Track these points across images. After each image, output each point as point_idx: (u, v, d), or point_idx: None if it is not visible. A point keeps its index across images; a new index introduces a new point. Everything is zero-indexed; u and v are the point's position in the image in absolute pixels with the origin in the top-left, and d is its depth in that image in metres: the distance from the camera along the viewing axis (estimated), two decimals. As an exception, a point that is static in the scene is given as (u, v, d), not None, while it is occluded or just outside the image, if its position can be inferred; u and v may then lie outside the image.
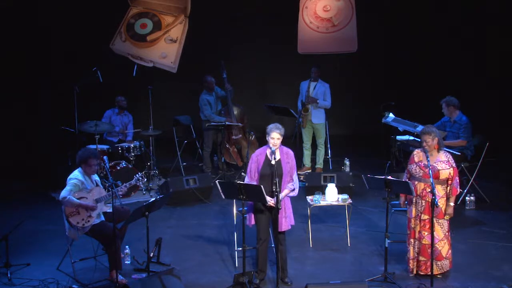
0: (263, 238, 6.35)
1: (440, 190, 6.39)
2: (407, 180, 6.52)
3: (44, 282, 6.48)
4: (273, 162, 6.17)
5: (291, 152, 6.40)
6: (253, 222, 6.35)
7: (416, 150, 6.60)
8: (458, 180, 6.48)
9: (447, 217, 6.46)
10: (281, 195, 6.18)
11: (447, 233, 6.51)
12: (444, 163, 6.41)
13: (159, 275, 6.12)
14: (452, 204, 6.46)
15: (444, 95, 8.85)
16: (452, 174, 6.41)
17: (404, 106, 10.38)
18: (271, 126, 6.27)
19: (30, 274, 6.71)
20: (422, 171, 6.40)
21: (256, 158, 6.32)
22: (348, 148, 11.54)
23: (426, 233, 6.42)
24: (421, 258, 6.50)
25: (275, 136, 6.20)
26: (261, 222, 6.31)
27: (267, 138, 6.29)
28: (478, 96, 11.05)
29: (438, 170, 6.36)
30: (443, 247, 6.47)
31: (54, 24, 11.50)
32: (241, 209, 6.21)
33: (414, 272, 6.53)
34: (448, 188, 6.43)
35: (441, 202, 6.37)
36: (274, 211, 6.18)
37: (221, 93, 10.40)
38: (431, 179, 6.19)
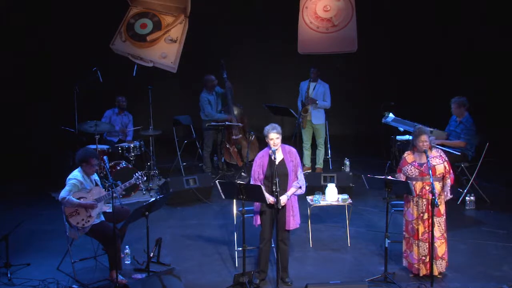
0: (266, 238, 6.36)
1: (438, 187, 6.41)
2: None
3: (44, 282, 6.49)
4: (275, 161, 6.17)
5: (293, 150, 6.39)
6: (259, 222, 6.36)
7: (406, 152, 6.60)
8: (452, 172, 6.54)
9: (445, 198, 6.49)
10: (287, 194, 6.20)
11: (444, 233, 6.50)
12: (437, 158, 6.45)
13: (159, 275, 6.12)
14: (449, 188, 6.50)
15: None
16: (447, 168, 6.46)
17: (404, 106, 10.37)
18: (267, 128, 6.25)
19: (30, 274, 6.71)
20: (418, 170, 6.42)
21: (260, 161, 6.31)
22: (348, 148, 11.53)
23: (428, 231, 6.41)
24: (427, 260, 6.44)
25: (273, 137, 6.20)
26: (265, 222, 6.32)
27: (266, 141, 6.27)
28: (478, 96, 11.03)
29: (434, 166, 6.38)
30: (440, 246, 6.46)
31: (54, 24, 11.49)
32: (241, 209, 6.22)
33: (422, 273, 6.47)
34: (447, 180, 6.48)
35: (439, 199, 6.37)
36: (274, 211, 6.18)
37: (221, 91, 10.41)
38: (431, 178, 6.20)
